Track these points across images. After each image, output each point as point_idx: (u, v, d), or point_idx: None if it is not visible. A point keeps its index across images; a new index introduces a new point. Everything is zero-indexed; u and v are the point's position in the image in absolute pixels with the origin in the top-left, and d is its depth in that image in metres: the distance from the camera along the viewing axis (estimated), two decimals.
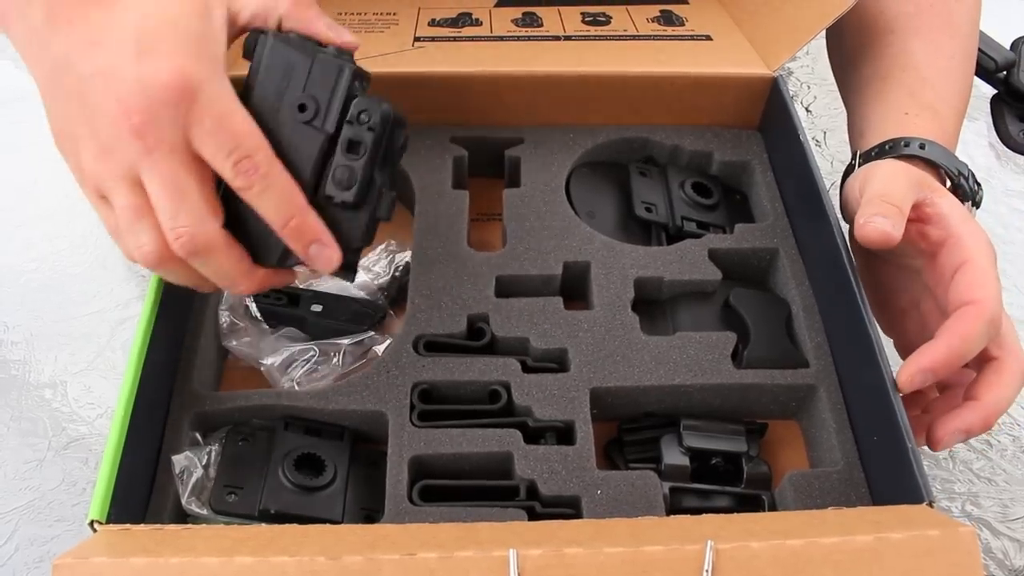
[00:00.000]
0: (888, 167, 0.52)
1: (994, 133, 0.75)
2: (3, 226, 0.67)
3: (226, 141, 0.41)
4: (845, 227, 0.66)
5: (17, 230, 0.67)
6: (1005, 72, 0.77)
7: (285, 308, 0.56)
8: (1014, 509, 0.53)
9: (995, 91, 0.78)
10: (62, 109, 0.43)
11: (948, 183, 0.54)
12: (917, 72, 0.58)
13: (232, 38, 0.45)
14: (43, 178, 0.71)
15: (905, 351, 0.52)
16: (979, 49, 0.77)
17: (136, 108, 0.40)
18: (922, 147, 0.53)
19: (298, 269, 0.59)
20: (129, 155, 0.41)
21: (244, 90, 0.44)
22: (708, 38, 0.65)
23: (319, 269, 0.45)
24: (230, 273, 0.44)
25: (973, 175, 0.55)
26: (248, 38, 0.44)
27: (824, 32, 0.60)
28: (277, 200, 0.43)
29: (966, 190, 0.54)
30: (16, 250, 0.65)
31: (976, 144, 0.74)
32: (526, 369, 0.52)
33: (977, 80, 0.78)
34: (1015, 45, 0.78)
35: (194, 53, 0.41)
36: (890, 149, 0.54)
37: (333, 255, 0.44)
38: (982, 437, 0.56)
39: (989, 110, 0.77)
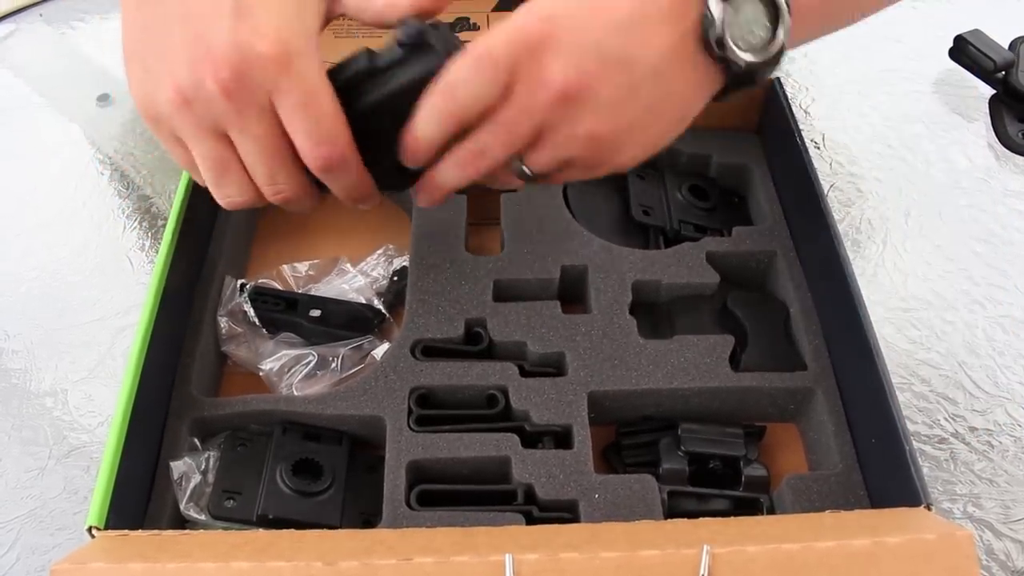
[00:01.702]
0: None
1: (993, 133, 0.75)
2: (3, 234, 0.67)
3: (312, 120, 0.42)
4: (843, 229, 0.66)
5: (17, 238, 0.67)
6: (1003, 72, 0.76)
7: (283, 314, 0.56)
8: (1016, 510, 0.53)
9: (993, 91, 0.78)
10: (142, 34, 0.43)
11: None
12: None
13: (326, 22, 0.46)
14: (43, 186, 0.71)
15: None
16: (978, 49, 0.76)
17: (227, 64, 0.40)
18: None
19: (296, 273, 0.60)
20: (214, 110, 0.41)
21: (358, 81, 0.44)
22: None
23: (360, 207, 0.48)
24: (309, 208, 0.47)
25: None
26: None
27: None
28: (349, 184, 0.45)
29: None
30: (16, 258, 0.65)
31: (975, 145, 0.74)
32: (524, 373, 0.52)
33: (976, 80, 0.78)
34: (1013, 45, 0.78)
35: (294, 23, 0.42)
36: None
37: (375, 201, 0.47)
38: (983, 438, 0.56)
39: (987, 110, 0.77)
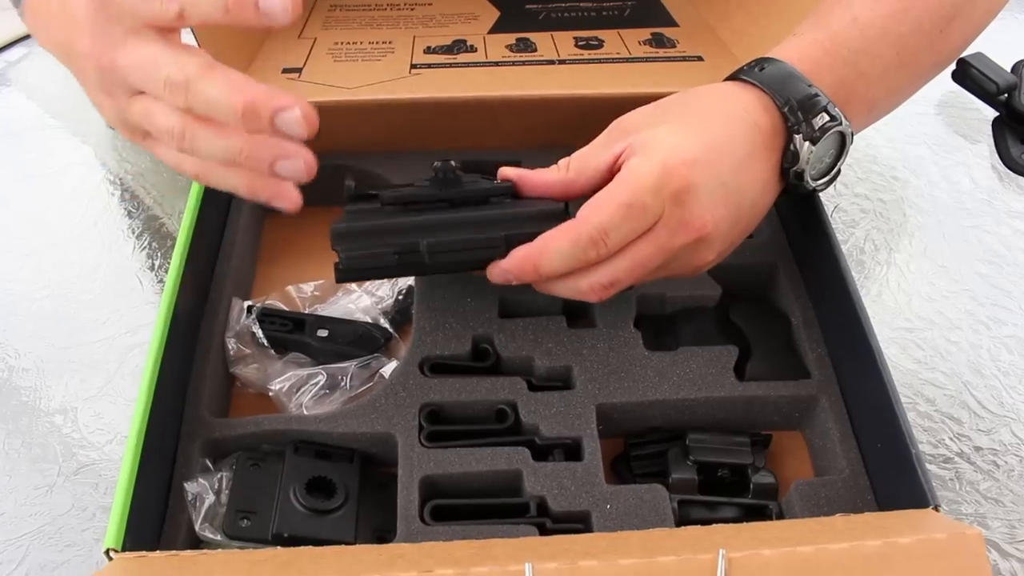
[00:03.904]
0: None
1: (996, 155, 0.76)
2: (14, 254, 0.68)
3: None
4: (847, 250, 0.67)
5: (27, 258, 0.67)
6: (1006, 95, 0.78)
7: (291, 334, 0.56)
8: (1022, 530, 0.53)
9: (996, 113, 0.79)
10: (82, 86, 0.46)
11: (779, 112, 0.48)
12: (851, 11, 0.51)
13: None
14: (54, 206, 0.72)
15: None
16: (981, 72, 0.78)
17: (87, 37, 0.42)
18: (761, 69, 0.49)
19: (302, 294, 0.60)
20: (113, 78, 0.43)
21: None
22: (700, 59, 0.67)
23: (294, 176, 0.43)
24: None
25: (816, 105, 0.47)
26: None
27: None
28: (221, 87, 0.41)
29: (794, 121, 0.47)
30: (26, 278, 0.66)
31: (978, 166, 0.75)
32: (532, 388, 0.52)
33: (979, 103, 0.80)
34: (1016, 68, 0.79)
35: None
36: (736, 72, 0.50)
37: (303, 161, 0.43)
38: (989, 458, 0.56)
39: (991, 132, 0.78)
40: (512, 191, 0.49)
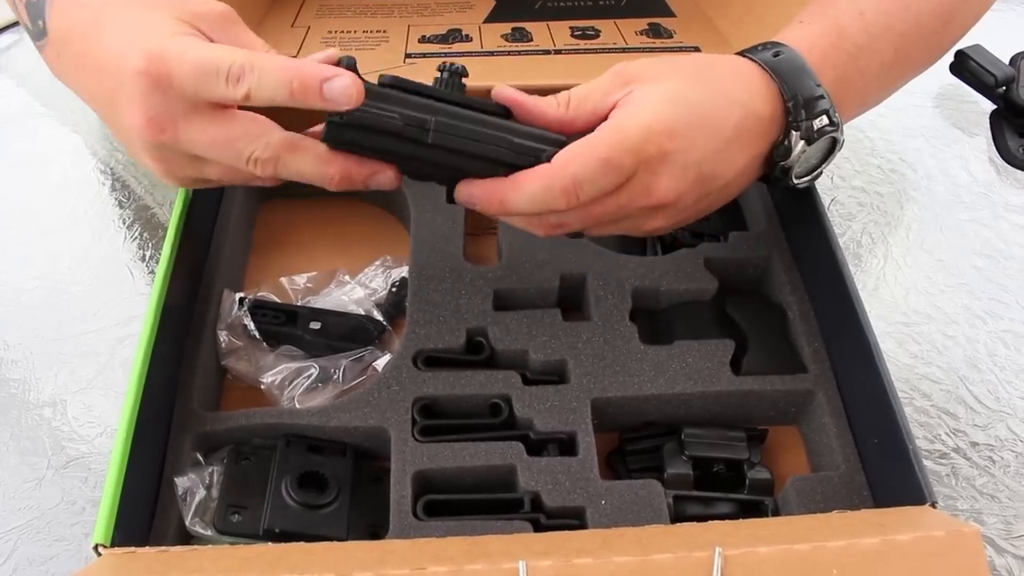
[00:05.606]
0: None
1: (994, 148, 0.76)
2: (3, 243, 0.67)
3: (212, 72, 0.42)
4: (844, 243, 0.67)
5: (17, 248, 0.67)
6: (1004, 88, 0.77)
7: (283, 326, 0.56)
8: (1018, 526, 0.53)
9: (994, 106, 0.79)
10: (120, 142, 0.47)
11: (783, 105, 0.48)
12: (856, 3, 0.52)
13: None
14: (44, 196, 0.71)
15: None
16: (979, 64, 0.77)
17: (138, 112, 0.43)
18: (776, 55, 0.49)
19: (294, 286, 0.60)
20: (169, 149, 0.44)
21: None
22: (697, 49, 0.66)
23: (344, 103, 0.42)
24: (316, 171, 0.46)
25: (819, 107, 0.48)
26: None
27: None
28: (273, 78, 0.42)
29: (795, 117, 0.48)
30: (16, 268, 0.65)
31: (976, 159, 0.75)
32: (526, 382, 0.52)
33: (977, 95, 0.79)
34: (1014, 60, 0.79)
35: (146, 35, 0.43)
36: (749, 52, 0.50)
37: (346, 81, 0.41)
38: (985, 453, 0.56)
39: (988, 125, 0.78)
40: (508, 115, 0.47)
